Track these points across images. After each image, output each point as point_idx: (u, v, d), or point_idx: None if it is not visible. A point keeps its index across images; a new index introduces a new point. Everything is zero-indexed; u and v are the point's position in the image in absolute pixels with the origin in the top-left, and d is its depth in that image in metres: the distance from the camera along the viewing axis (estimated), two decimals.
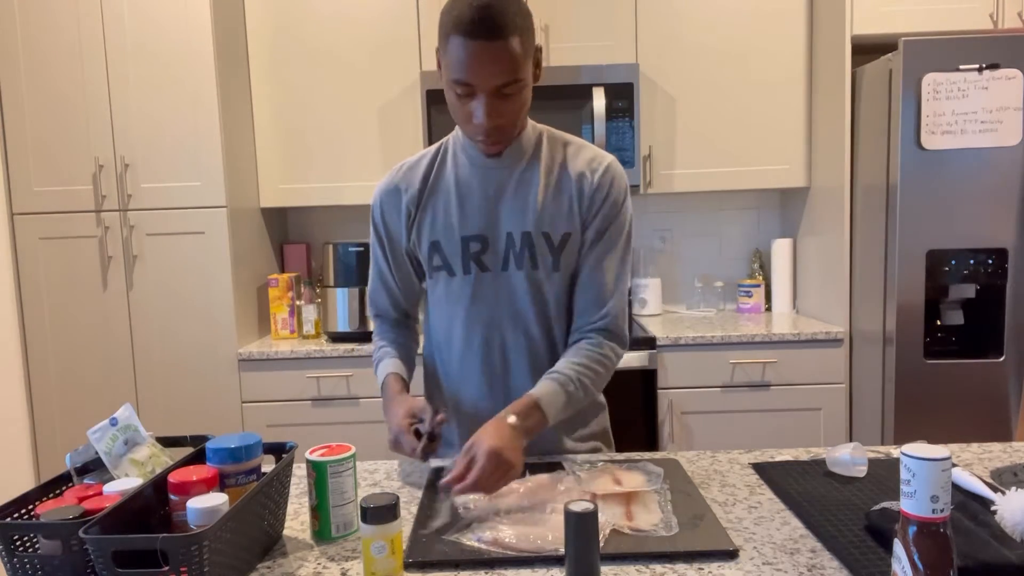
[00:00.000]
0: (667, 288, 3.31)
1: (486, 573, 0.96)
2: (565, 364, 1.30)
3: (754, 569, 0.96)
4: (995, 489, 1.13)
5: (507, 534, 1.03)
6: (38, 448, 2.79)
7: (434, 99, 2.77)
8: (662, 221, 3.28)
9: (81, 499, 0.98)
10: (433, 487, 1.24)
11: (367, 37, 2.89)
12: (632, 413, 2.69)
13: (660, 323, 2.96)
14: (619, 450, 1.40)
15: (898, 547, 0.76)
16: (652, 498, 1.14)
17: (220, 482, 1.04)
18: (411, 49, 2.88)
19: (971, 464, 1.31)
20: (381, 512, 0.91)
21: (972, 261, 2.43)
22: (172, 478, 0.99)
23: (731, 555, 0.99)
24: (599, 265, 1.35)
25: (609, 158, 1.37)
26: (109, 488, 1.00)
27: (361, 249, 2.78)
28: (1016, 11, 2.62)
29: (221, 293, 2.71)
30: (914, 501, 0.73)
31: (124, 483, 1.01)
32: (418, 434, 1.21)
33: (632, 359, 2.64)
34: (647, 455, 1.39)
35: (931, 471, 0.72)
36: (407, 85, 2.90)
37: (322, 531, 1.09)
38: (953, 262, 2.44)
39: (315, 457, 1.08)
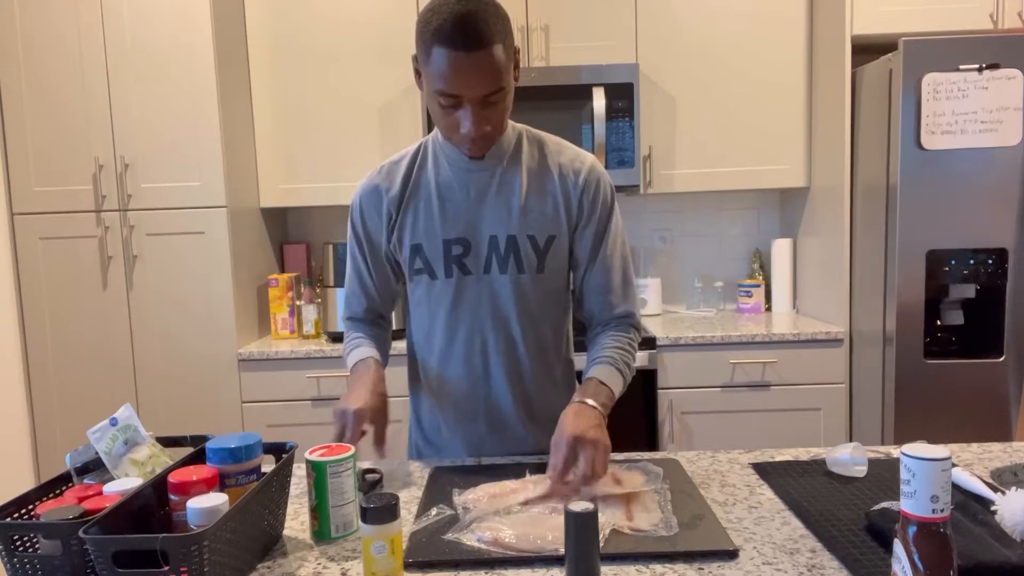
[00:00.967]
0: (667, 288, 3.31)
1: (486, 573, 0.96)
2: (606, 348, 1.33)
3: (754, 569, 0.96)
4: (995, 489, 1.13)
5: (507, 534, 1.03)
6: (38, 448, 2.79)
7: None
8: (662, 221, 3.28)
9: (81, 499, 0.98)
10: (433, 487, 1.24)
11: (367, 37, 2.89)
12: (632, 413, 2.69)
13: (660, 323, 2.96)
14: (619, 450, 1.40)
15: (898, 547, 0.76)
16: (652, 498, 1.14)
17: (220, 482, 1.04)
18: (411, 49, 2.88)
19: (971, 464, 1.30)
20: (381, 512, 0.91)
21: (972, 261, 2.43)
22: (172, 478, 0.99)
23: (731, 555, 0.99)
24: (606, 266, 1.36)
25: (590, 157, 1.37)
26: (109, 488, 1.00)
27: None
28: (1016, 11, 2.61)
29: (221, 293, 2.71)
30: (914, 501, 0.73)
31: (124, 483, 1.01)
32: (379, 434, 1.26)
33: None
34: (647, 455, 1.39)
35: (931, 471, 0.72)
36: (407, 85, 2.90)
37: (321, 531, 1.09)
38: (953, 262, 2.44)
39: (315, 457, 1.08)
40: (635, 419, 2.69)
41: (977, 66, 2.32)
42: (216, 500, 0.94)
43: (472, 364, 1.38)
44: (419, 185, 1.35)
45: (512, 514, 1.10)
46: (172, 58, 2.64)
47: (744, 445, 2.74)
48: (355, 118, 2.92)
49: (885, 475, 1.24)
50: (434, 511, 1.12)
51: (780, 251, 3.10)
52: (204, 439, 1.17)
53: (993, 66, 2.32)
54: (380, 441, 1.29)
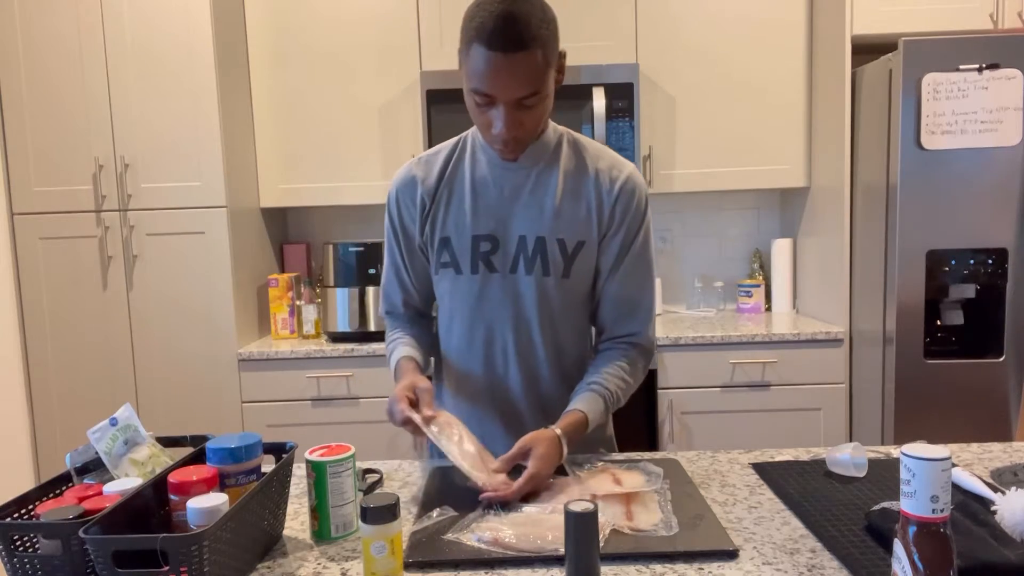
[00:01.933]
0: (667, 288, 3.31)
1: (486, 573, 0.96)
2: (604, 375, 1.31)
3: (754, 569, 0.96)
4: (995, 489, 1.13)
5: (507, 534, 1.03)
6: (38, 448, 2.79)
7: (434, 99, 2.77)
8: (662, 221, 3.28)
9: (81, 499, 0.98)
10: (433, 487, 1.24)
11: (367, 37, 2.89)
12: (632, 413, 2.69)
13: (660, 323, 2.96)
14: (619, 450, 1.40)
15: (898, 547, 0.76)
16: (652, 498, 1.14)
17: (220, 482, 1.04)
18: (411, 49, 2.88)
19: (971, 464, 1.31)
20: (381, 512, 0.91)
21: (972, 261, 2.43)
22: (172, 478, 0.99)
23: (731, 555, 0.99)
24: (627, 279, 1.34)
25: (629, 167, 1.34)
26: (109, 488, 1.00)
27: (361, 249, 2.78)
28: (1016, 11, 2.61)
29: (221, 293, 2.71)
30: (914, 501, 0.73)
31: (124, 483, 1.01)
32: (413, 405, 1.21)
33: None
34: (647, 455, 1.39)
35: (931, 471, 0.72)
36: (407, 85, 2.90)
37: (321, 531, 1.09)
38: (953, 262, 2.44)
39: (315, 457, 1.08)
40: (635, 419, 2.69)
41: (977, 66, 2.32)
42: (216, 500, 0.94)
43: (490, 363, 1.37)
44: (455, 178, 1.34)
45: (512, 514, 1.10)
46: (172, 58, 2.64)
47: (744, 445, 2.74)
48: (355, 118, 2.92)
49: (885, 475, 1.24)
50: (435, 511, 1.12)
51: (780, 251, 3.10)
52: (204, 439, 1.17)
53: (993, 66, 2.32)
54: (426, 418, 1.23)
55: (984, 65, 2.32)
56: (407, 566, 0.98)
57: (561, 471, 1.27)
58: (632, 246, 1.33)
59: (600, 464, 1.29)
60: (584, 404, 1.28)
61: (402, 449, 2.73)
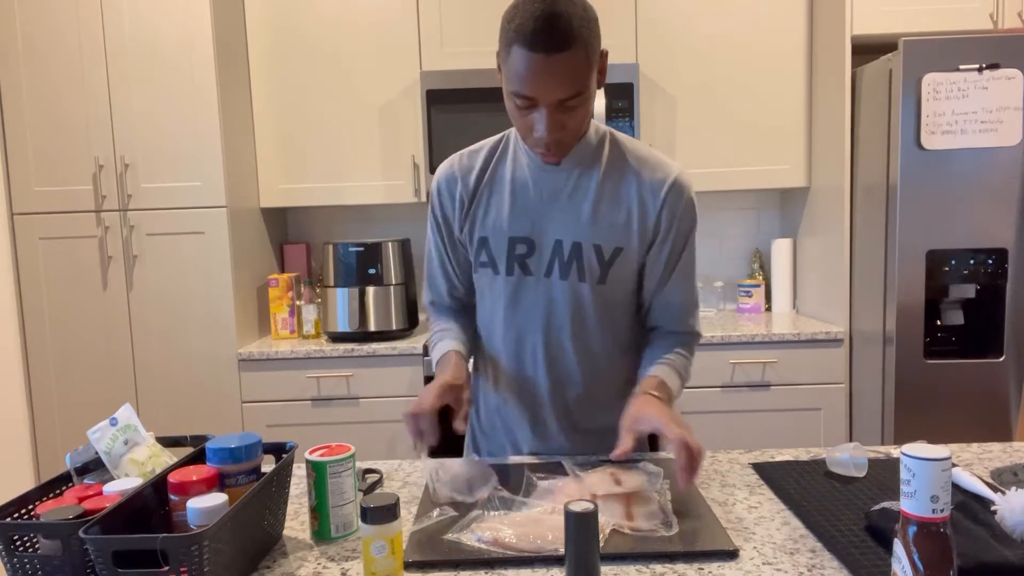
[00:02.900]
0: None
1: (486, 573, 0.96)
2: (672, 355, 1.31)
3: (754, 569, 0.96)
4: (995, 489, 1.13)
5: (507, 534, 1.03)
6: (38, 448, 2.79)
7: (434, 99, 2.77)
8: None
9: (81, 499, 0.98)
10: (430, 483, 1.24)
11: (367, 37, 2.89)
12: None
13: None
14: None
15: (898, 547, 0.76)
16: (652, 498, 1.14)
17: (220, 482, 1.04)
18: (411, 49, 2.88)
19: (971, 464, 1.30)
20: (381, 512, 0.91)
21: (972, 261, 2.43)
22: (172, 478, 0.99)
23: (731, 555, 0.99)
24: (679, 285, 1.33)
25: (676, 168, 1.29)
26: (109, 488, 1.00)
27: (361, 249, 2.77)
28: (1016, 11, 2.62)
29: (221, 293, 2.71)
30: (914, 501, 0.73)
31: (124, 483, 1.01)
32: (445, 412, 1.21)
33: None
34: (647, 455, 1.39)
35: (931, 471, 0.72)
36: (407, 85, 2.90)
37: (321, 531, 1.09)
38: (953, 262, 2.44)
39: (315, 457, 1.08)
40: None
41: (977, 66, 2.32)
42: (216, 500, 0.94)
43: (521, 365, 1.36)
44: (495, 178, 1.33)
45: (512, 513, 1.10)
46: (172, 58, 2.64)
47: (744, 445, 2.74)
48: (355, 118, 2.92)
49: (885, 475, 1.24)
50: (435, 511, 1.12)
51: (780, 251, 3.10)
52: (204, 439, 1.17)
53: (993, 66, 2.32)
54: (459, 424, 1.23)
55: (984, 65, 2.32)
56: (407, 566, 0.98)
57: (561, 471, 1.27)
58: (683, 253, 1.31)
59: (600, 464, 1.29)
60: (657, 371, 1.28)
61: (402, 449, 2.73)
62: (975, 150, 2.35)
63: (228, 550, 0.91)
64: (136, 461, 1.09)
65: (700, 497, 1.16)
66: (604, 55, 1.19)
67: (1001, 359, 2.43)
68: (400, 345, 2.70)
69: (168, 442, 1.18)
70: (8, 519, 0.95)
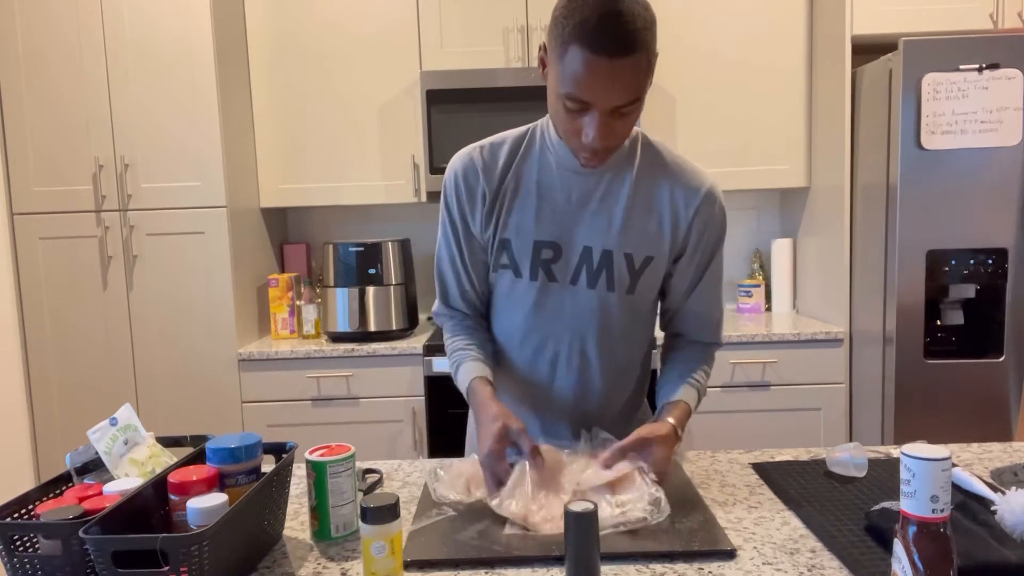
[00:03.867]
0: None
1: (486, 573, 0.96)
2: (697, 372, 1.29)
3: (754, 569, 0.96)
4: (995, 489, 1.13)
5: (535, 515, 1.03)
6: (38, 448, 2.79)
7: (434, 99, 2.77)
8: None
9: (81, 499, 0.98)
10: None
11: (367, 37, 2.89)
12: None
13: (659, 323, 2.95)
14: None
15: (898, 547, 0.76)
16: (635, 475, 1.11)
17: (220, 482, 1.04)
18: (411, 49, 2.88)
19: (971, 464, 1.30)
20: (381, 512, 0.91)
21: (972, 261, 2.43)
22: (172, 478, 0.99)
23: (731, 555, 0.99)
24: (706, 296, 1.30)
25: (709, 178, 1.24)
26: (109, 488, 1.00)
27: (361, 249, 2.77)
28: (1016, 11, 2.61)
29: (221, 293, 2.71)
30: (914, 501, 0.73)
31: (124, 483, 1.01)
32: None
33: None
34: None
35: (931, 471, 0.72)
36: (407, 85, 2.90)
37: (321, 531, 1.09)
38: (953, 262, 2.44)
39: (314, 457, 1.08)
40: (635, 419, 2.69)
41: (977, 66, 2.32)
42: (216, 500, 0.94)
43: (538, 373, 1.30)
44: (519, 176, 1.24)
45: (516, 493, 1.08)
46: (172, 58, 2.64)
47: (744, 445, 2.74)
48: (355, 118, 2.92)
49: (885, 475, 1.24)
50: (435, 511, 1.12)
51: (780, 251, 3.10)
52: (204, 439, 1.17)
53: (993, 66, 2.32)
54: (537, 460, 1.14)
55: (984, 65, 2.32)
56: (407, 566, 0.98)
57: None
58: (711, 263, 1.27)
59: (603, 439, 1.24)
60: (686, 395, 1.25)
61: (402, 449, 2.73)
62: (975, 150, 2.35)
63: (228, 550, 0.91)
64: (136, 461, 1.09)
65: (700, 497, 1.16)
66: (656, 55, 1.10)
67: (1001, 359, 2.43)
68: (400, 345, 2.70)
69: (168, 442, 1.18)
70: (8, 519, 0.95)
